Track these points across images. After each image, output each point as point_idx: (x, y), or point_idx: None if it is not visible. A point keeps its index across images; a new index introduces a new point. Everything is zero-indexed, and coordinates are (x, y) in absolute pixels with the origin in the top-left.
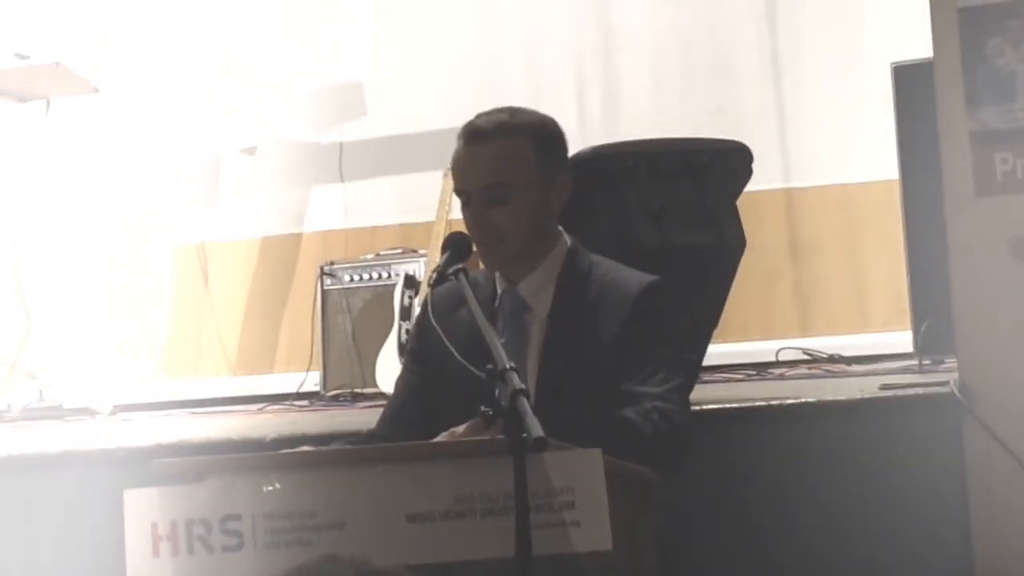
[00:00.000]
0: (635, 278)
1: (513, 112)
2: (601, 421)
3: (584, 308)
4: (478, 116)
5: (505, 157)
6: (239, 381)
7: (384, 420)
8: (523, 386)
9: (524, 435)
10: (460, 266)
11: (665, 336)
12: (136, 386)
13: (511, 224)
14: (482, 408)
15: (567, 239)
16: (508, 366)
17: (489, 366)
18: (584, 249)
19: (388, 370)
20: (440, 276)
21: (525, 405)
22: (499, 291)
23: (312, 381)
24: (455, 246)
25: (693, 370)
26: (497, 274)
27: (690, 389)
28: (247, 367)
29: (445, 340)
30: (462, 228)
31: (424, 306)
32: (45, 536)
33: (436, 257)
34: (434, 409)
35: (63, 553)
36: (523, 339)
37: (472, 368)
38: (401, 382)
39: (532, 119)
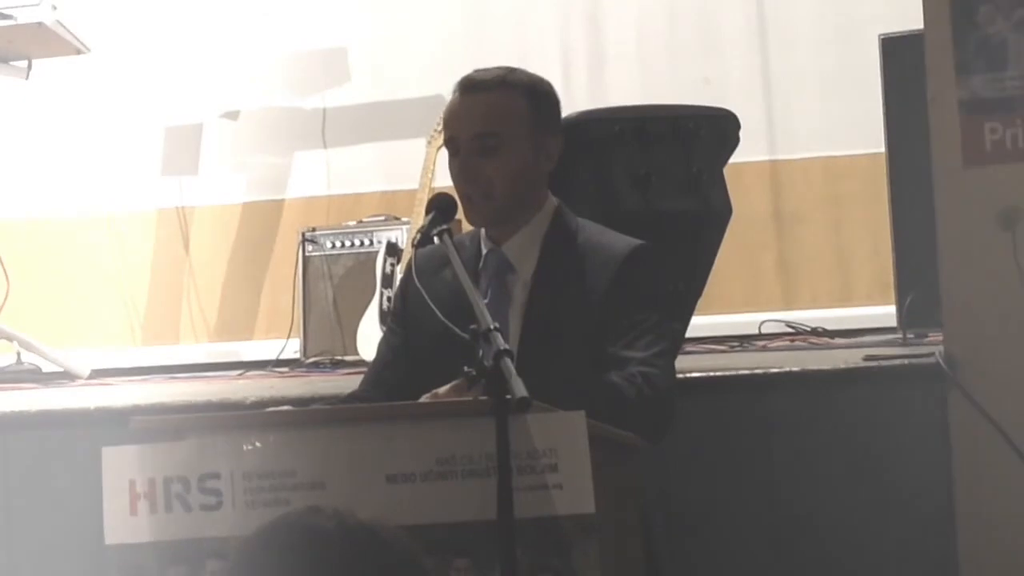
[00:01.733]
0: (621, 241)
1: (511, 70)
2: (585, 384)
3: (569, 270)
4: (475, 71)
5: (499, 107)
6: (218, 347)
7: (367, 382)
8: (507, 346)
9: (507, 396)
10: (444, 227)
11: (650, 300)
12: (115, 351)
13: (499, 176)
14: (465, 368)
15: (554, 201)
16: (492, 326)
17: (472, 326)
18: (570, 212)
19: (369, 337)
20: (424, 236)
21: (509, 366)
22: (483, 252)
23: (292, 348)
24: (440, 207)
25: (677, 337)
26: (482, 235)
27: (674, 356)
28: (227, 333)
29: (428, 301)
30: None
31: (408, 267)
32: (21, 495)
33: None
34: (417, 371)
35: (39, 511)
36: (505, 300)
37: (455, 329)
38: (384, 343)
39: (529, 78)
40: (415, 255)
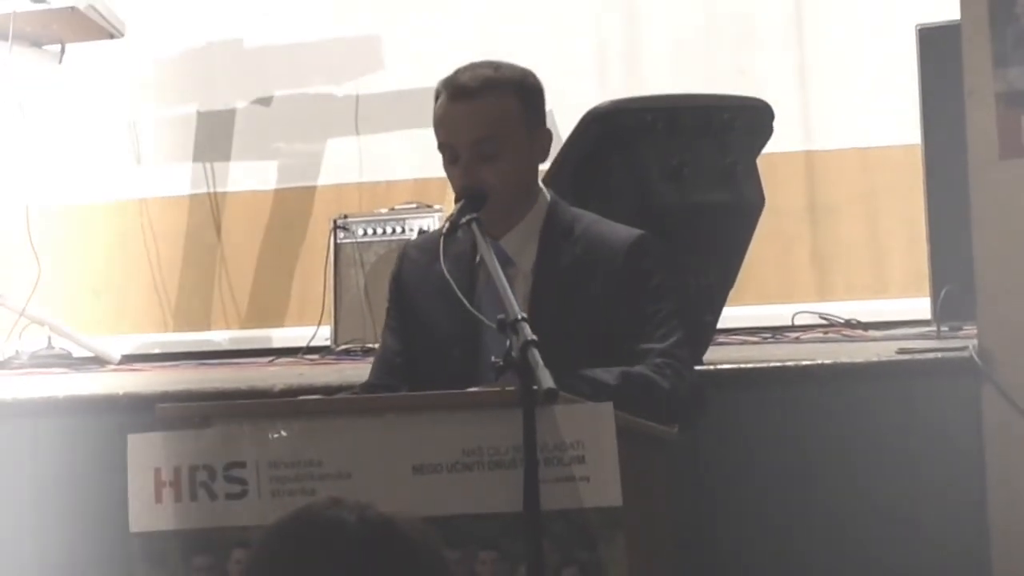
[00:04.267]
0: (621, 233)
1: (496, 66)
2: (619, 378)
3: (570, 261)
4: (459, 71)
5: (491, 113)
6: (249, 334)
7: (378, 370)
8: (534, 337)
9: (534, 387)
10: (474, 215)
11: (659, 290)
12: (146, 336)
13: (500, 180)
14: (492, 359)
15: (547, 193)
16: (519, 317)
17: (500, 316)
18: (564, 203)
19: None
20: (453, 225)
21: (536, 356)
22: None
23: (323, 335)
24: (469, 196)
25: (708, 329)
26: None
27: (689, 344)
28: (258, 320)
29: (457, 291)
30: None
31: (399, 259)
32: (49, 481)
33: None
34: (418, 358)
35: (67, 498)
36: None
37: (483, 319)
38: (387, 331)
39: (515, 73)
40: (406, 247)
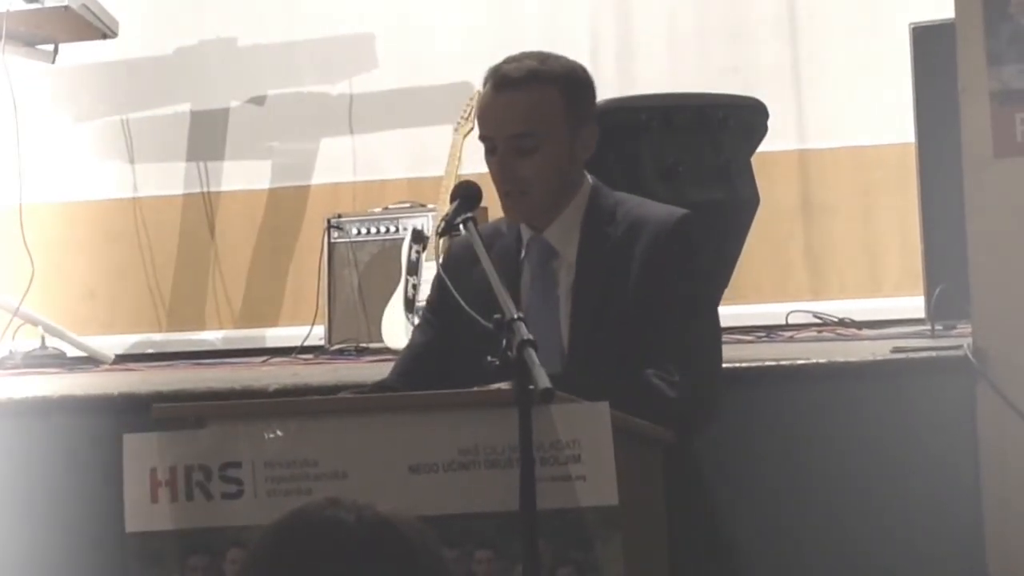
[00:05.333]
0: (665, 211)
1: (542, 58)
2: (625, 386)
3: (612, 246)
4: (506, 61)
5: (534, 107)
6: (243, 333)
7: (396, 371)
8: (530, 336)
9: (531, 386)
10: (469, 215)
11: (693, 274)
12: (139, 336)
13: (537, 175)
14: (488, 358)
15: (589, 180)
16: (516, 316)
17: (497, 316)
18: (607, 188)
19: (394, 325)
20: (448, 225)
21: (532, 356)
22: (525, 239)
23: (317, 335)
24: (464, 195)
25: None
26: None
27: (718, 333)
28: (252, 319)
29: (454, 292)
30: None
31: (444, 256)
32: (44, 481)
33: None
34: (449, 363)
35: (62, 498)
36: (552, 284)
37: (479, 319)
38: (417, 333)
39: (562, 67)
40: (450, 246)
